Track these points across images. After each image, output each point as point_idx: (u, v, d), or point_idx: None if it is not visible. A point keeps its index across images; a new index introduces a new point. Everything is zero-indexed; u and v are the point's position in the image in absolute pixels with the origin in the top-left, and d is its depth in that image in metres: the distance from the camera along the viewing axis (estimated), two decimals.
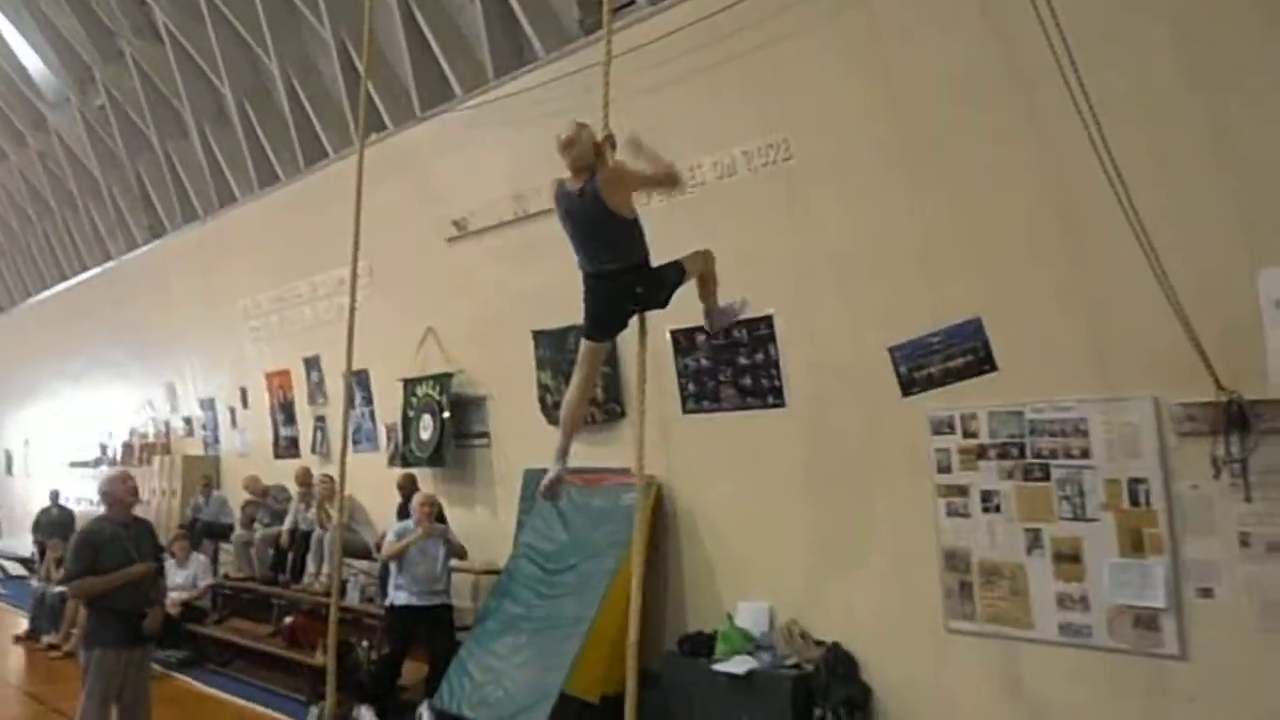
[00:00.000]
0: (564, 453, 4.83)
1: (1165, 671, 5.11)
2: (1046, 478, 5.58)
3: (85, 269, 17.92)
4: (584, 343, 4.84)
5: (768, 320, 6.91)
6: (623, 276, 4.55)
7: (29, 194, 19.66)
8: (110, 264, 16.83)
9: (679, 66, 6.92)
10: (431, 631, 8.00)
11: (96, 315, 16.70)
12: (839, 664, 6.32)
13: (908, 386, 6.17)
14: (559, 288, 7.80)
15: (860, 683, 6.30)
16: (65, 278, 18.78)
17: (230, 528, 11.90)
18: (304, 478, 10.63)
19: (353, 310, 6.63)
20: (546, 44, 8.47)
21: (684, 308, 7.39)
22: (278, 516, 10.98)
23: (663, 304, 4.76)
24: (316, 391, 11.70)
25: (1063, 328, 5.54)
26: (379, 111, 10.31)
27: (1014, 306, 5.74)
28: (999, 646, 5.76)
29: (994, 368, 5.80)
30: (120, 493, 5.90)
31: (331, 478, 8.97)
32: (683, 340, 7.43)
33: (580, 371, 4.85)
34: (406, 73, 10.00)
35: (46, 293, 19.56)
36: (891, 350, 6.22)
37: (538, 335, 8.62)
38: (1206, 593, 5.00)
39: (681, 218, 7.43)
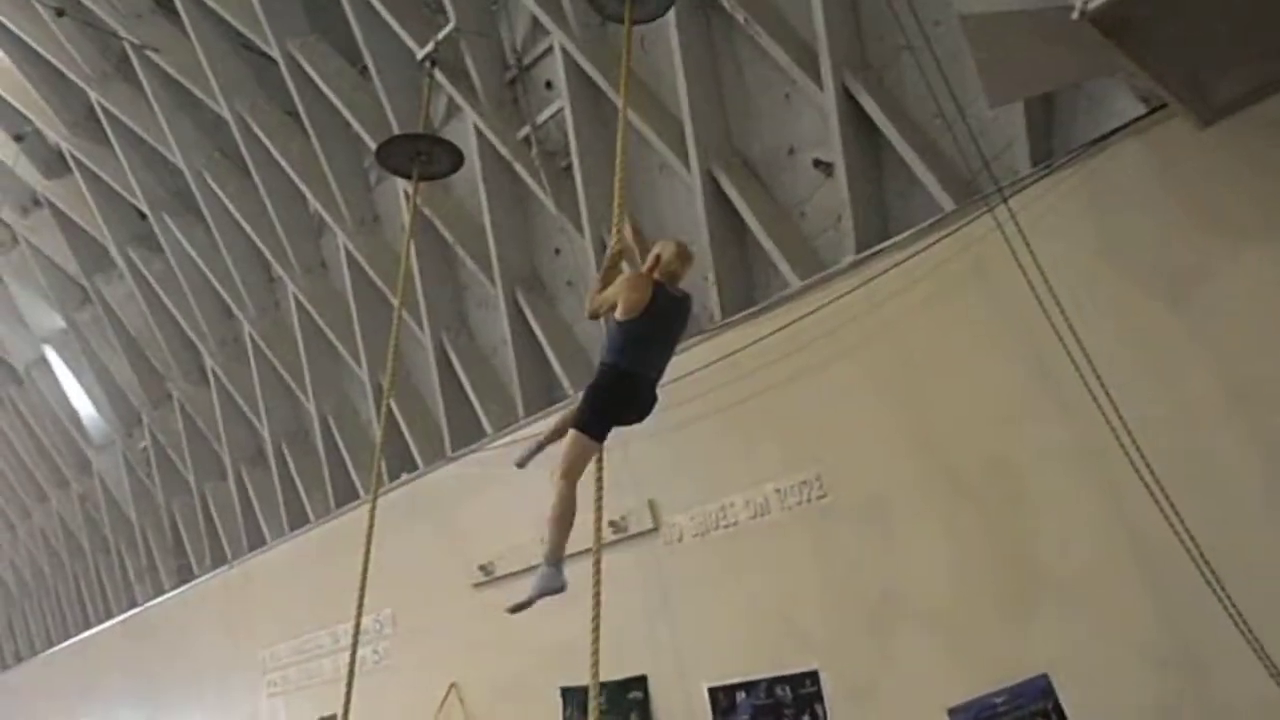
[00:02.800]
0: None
1: None
2: None
3: (110, 615, 18.16)
4: (584, 441, 5.00)
5: (813, 676, 6.66)
6: (653, 386, 5.12)
7: (64, 536, 20.41)
8: (135, 610, 17.06)
9: (704, 403, 7.19)
10: None
11: (115, 668, 16.73)
12: None
13: None
14: (588, 639, 7.71)
15: None
16: (89, 625, 19.00)
17: None
18: None
19: (352, 669, 6.56)
20: (575, 381, 8.90)
21: (723, 661, 7.28)
22: None
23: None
24: None
25: (1143, 685, 5.23)
26: (411, 452, 10.78)
27: (1085, 659, 5.45)
28: None
29: None
30: None
31: None
32: (722, 699, 7.14)
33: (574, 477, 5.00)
34: (439, 412, 10.52)
35: (68, 641, 19.72)
36: (952, 712, 5.87)
37: (566, 693, 8.34)
38: None
39: (714, 559, 7.43)
